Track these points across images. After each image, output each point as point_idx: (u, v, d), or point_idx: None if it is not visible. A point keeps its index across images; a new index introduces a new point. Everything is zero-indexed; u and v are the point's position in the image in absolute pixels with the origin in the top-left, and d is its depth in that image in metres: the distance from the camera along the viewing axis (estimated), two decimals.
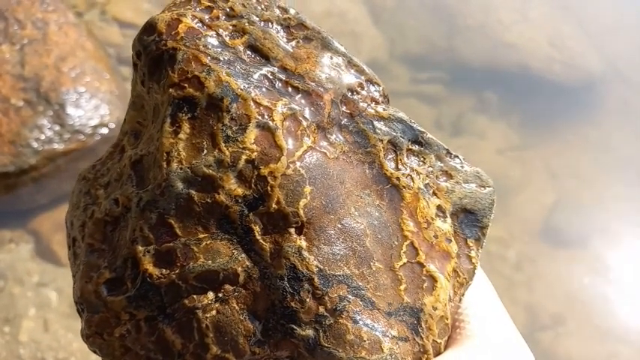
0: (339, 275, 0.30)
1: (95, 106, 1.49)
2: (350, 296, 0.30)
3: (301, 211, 0.30)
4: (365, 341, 0.30)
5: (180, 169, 0.31)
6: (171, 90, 0.32)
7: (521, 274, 1.61)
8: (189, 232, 0.31)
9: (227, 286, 0.31)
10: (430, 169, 0.34)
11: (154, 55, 0.33)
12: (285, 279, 0.30)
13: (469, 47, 2.01)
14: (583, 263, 1.62)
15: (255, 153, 0.31)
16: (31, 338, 1.34)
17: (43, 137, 1.44)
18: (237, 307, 0.31)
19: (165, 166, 0.31)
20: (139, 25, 0.34)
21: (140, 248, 0.31)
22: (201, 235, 0.31)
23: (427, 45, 2.03)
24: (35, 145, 1.43)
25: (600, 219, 1.70)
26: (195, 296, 0.31)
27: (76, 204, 0.37)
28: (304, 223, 0.30)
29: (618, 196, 1.74)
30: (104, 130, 1.48)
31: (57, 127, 1.45)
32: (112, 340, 0.33)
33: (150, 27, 0.34)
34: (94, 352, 0.34)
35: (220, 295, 0.31)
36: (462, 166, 0.35)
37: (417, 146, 0.34)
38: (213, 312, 0.31)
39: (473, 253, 0.34)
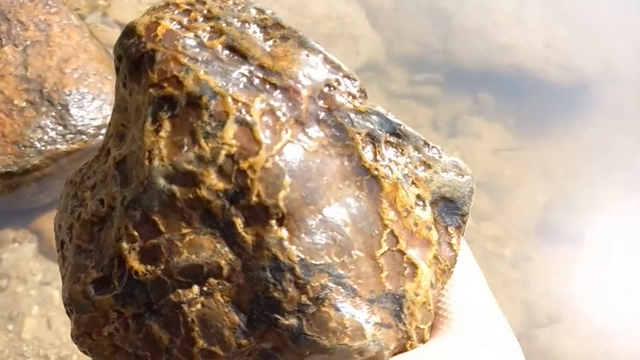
0: (320, 264, 0.30)
1: (98, 107, 1.50)
2: (331, 284, 0.30)
3: (281, 203, 0.30)
4: (347, 328, 0.30)
5: (162, 166, 0.31)
6: (151, 90, 0.32)
7: (518, 272, 1.62)
8: (173, 228, 0.31)
9: (211, 280, 0.31)
10: (408, 159, 0.34)
11: (134, 58, 0.34)
12: (268, 269, 0.30)
13: (465, 49, 2.03)
14: (578, 261, 1.64)
15: (235, 148, 0.31)
16: (34, 336, 1.35)
17: (46, 138, 1.45)
18: (221, 300, 0.31)
19: (147, 163, 0.31)
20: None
21: (125, 246, 0.32)
22: (185, 231, 0.31)
23: (424, 47, 2.04)
24: (38, 145, 1.44)
25: (595, 217, 1.72)
26: (180, 291, 0.31)
27: (64, 207, 0.37)
28: (285, 214, 0.30)
29: (612, 195, 1.76)
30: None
31: (60, 128, 1.46)
32: (100, 339, 0.33)
33: (129, 31, 0.34)
34: (84, 352, 0.34)
35: (205, 288, 0.31)
36: (440, 156, 0.35)
37: (394, 138, 0.34)
38: (199, 305, 0.31)
39: (454, 241, 0.34)
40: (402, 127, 0.34)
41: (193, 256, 0.31)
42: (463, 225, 0.35)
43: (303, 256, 0.30)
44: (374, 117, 0.34)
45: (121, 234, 0.32)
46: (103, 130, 1.49)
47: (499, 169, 1.80)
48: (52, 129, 1.46)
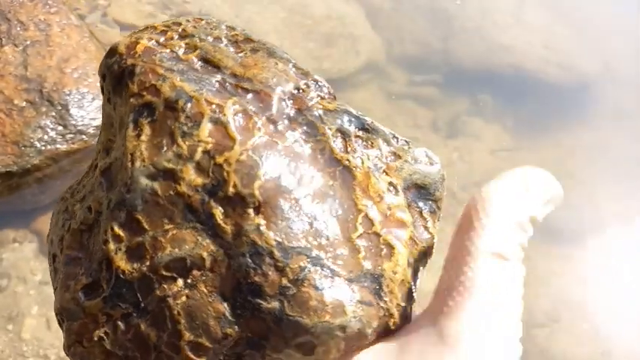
0: (298, 247, 0.32)
1: (98, 107, 1.50)
2: (310, 266, 0.31)
3: (257, 192, 0.32)
4: (328, 306, 0.31)
5: (144, 166, 0.32)
6: (132, 100, 0.34)
7: None
8: (156, 225, 0.32)
9: (195, 272, 0.32)
10: (378, 151, 0.36)
11: (117, 73, 0.36)
12: (247, 255, 0.31)
13: (465, 49, 2.03)
14: (578, 261, 1.65)
15: (210, 145, 0.32)
16: (34, 336, 1.36)
17: (46, 137, 1.46)
18: (205, 290, 0.32)
19: (129, 165, 0.33)
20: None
21: (112, 247, 0.32)
22: (167, 227, 0.32)
23: (424, 47, 2.05)
24: (38, 145, 1.45)
25: (594, 218, 1.73)
26: (165, 285, 0.32)
27: (56, 223, 0.38)
28: (261, 202, 0.32)
29: (611, 195, 1.76)
30: None
31: (60, 128, 1.47)
32: (91, 345, 0.33)
33: (112, 51, 0.37)
34: None
35: (189, 281, 0.32)
36: (409, 147, 0.36)
37: (364, 133, 0.36)
38: (183, 298, 0.32)
39: (429, 224, 0.35)
40: (370, 122, 0.36)
41: (176, 250, 0.32)
42: (438, 210, 0.36)
43: (280, 240, 0.31)
44: (343, 114, 0.35)
45: (107, 236, 0.33)
46: None
47: (498, 169, 1.79)
48: (52, 129, 1.46)
